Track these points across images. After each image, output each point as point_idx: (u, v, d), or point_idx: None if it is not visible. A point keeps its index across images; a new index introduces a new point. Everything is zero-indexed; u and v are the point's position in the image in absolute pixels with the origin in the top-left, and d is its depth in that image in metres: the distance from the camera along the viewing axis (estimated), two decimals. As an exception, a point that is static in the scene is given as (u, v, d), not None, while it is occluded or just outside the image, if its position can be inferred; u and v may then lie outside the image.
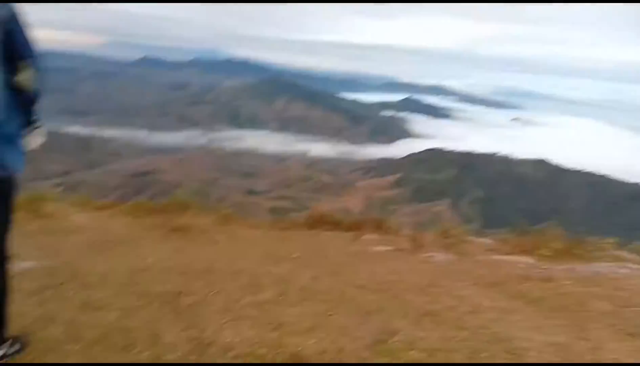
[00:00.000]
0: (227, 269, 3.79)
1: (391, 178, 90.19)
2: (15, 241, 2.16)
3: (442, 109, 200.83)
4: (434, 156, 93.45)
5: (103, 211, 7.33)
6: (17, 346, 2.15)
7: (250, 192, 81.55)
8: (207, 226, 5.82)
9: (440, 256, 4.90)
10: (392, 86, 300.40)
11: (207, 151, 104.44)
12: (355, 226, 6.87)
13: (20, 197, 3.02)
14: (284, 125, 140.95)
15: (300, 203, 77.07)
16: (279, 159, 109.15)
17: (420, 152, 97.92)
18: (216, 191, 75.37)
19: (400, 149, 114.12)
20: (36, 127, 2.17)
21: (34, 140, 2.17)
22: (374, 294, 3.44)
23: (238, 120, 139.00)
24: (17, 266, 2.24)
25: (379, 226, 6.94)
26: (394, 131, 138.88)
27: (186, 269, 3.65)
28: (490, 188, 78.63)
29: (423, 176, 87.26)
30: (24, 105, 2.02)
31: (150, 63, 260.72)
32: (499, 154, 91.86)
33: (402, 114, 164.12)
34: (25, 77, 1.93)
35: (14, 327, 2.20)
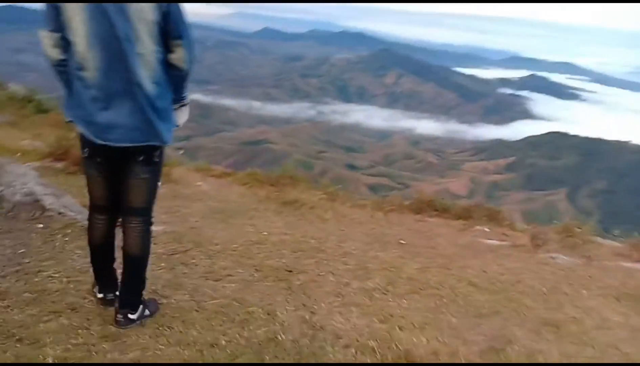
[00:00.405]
0: (336, 250, 3.84)
1: (502, 162, 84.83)
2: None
3: (570, 89, 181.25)
4: (555, 140, 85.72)
5: (221, 179, 7.84)
6: (149, 311, 2.35)
7: (351, 167, 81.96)
8: (315, 202, 5.92)
9: (562, 258, 4.49)
10: (514, 61, 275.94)
11: (315, 124, 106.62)
12: (465, 214, 6.55)
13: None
14: (393, 100, 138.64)
15: (401, 181, 75.87)
16: (384, 135, 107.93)
17: (539, 135, 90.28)
18: (320, 163, 76.98)
19: (517, 130, 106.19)
20: (184, 104, 2.32)
21: (182, 116, 2.32)
22: (487, 294, 3.26)
23: (347, 93, 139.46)
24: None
25: (492, 217, 6.53)
26: (512, 111, 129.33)
27: (298, 246, 3.76)
28: (615, 180, 70.47)
29: (539, 162, 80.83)
30: (175, 82, 2.15)
31: (270, 34, 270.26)
32: (631, 143, 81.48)
33: (523, 93, 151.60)
34: (178, 56, 2.04)
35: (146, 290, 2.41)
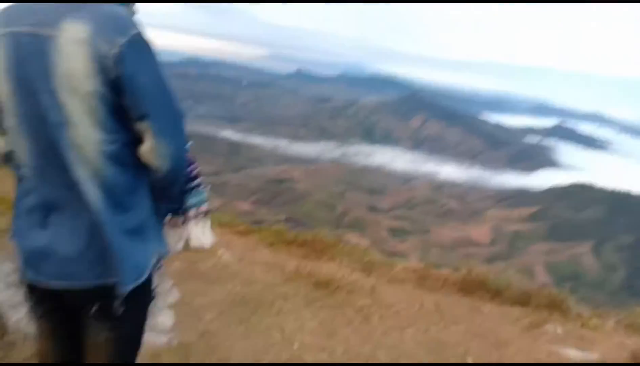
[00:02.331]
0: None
1: (526, 211, 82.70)
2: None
3: (599, 140, 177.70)
4: (581, 192, 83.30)
5: (246, 237, 7.08)
6: None
7: (372, 209, 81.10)
8: (352, 283, 5.08)
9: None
10: (543, 109, 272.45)
11: (339, 164, 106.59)
12: (522, 300, 5.69)
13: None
14: (417, 144, 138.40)
15: (421, 226, 74.71)
16: (406, 179, 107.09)
17: (565, 186, 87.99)
18: (341, 204, 76.38)
19: (541, 180, 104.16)
20: (183, 215, 1.53)
21: (176, 234, 1.52)
22: None
23: (372, 136, 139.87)
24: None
25: (554, 306, 5.60)
26: (538, 160, 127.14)
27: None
28: (643, 235, 67.32)
29: (564, 213, 78.42)
30: (156, 188, 1.33)
31: (302, 76, 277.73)
32: (661, 198, 78.08)
33: (549, 142, 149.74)
34: (146, 149, 1.22)
35: None
